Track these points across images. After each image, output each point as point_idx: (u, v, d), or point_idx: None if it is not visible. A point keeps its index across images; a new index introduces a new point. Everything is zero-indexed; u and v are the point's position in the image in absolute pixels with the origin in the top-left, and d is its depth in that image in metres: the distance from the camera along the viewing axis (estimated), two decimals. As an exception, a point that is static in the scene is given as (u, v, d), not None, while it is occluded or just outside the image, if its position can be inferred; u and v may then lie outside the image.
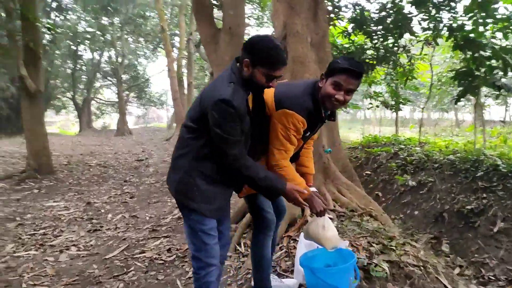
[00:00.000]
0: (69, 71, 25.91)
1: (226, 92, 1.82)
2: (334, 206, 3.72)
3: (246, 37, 6.77)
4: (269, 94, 2.15)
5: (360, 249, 3.01)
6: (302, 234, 3.08)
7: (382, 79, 10.00)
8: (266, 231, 2.29)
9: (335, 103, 2.01)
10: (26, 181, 7.64)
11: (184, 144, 1.98)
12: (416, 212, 5.98)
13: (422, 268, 2.90)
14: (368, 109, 10.73)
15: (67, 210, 5.57)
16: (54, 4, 18.73)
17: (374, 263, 2.84)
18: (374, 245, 3.07)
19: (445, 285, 2.85)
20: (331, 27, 7.09)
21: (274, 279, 2.67)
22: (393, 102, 10.08)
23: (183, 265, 3.39)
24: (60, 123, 40.75)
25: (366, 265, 2.78)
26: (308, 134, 2.28)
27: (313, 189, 2.36)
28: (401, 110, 10.21)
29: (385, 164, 7.49)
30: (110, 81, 28.94)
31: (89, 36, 23.34)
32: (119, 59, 25.03)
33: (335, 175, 4.00)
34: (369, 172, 7.96)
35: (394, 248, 3.03)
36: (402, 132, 12.59)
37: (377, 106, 10.62)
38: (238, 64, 1.97)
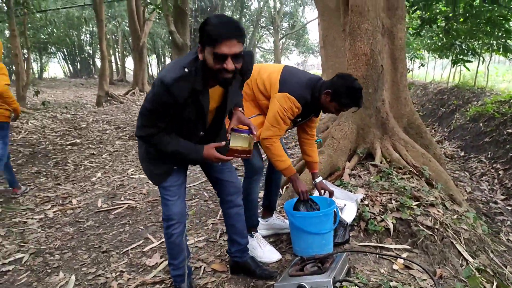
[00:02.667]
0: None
1: (172, 75, 1.69)
2: (381, 162, 3.69)
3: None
4: (273, 75, 2.43)
5: (377, 204, 3.06)
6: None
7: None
8: (252, 175, 2.64)
9: None
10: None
11: None
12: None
13: (436, 230, 2.80)
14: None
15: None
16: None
17: (381, 218, 2.90)
18: (393, 202, 3.06)
19: (459, 252, 2.73)
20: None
21: (278, 219, 3.02)
22: None
23: (235, 199, 3.98)
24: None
25: (369, 218, 2.87)
26: (299, 120, 2.56)
27: (319, 178, 2.72)
28: None
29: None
30: (268, 30, 30.52)
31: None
32: (277, 6, 26.13)
33: (393, 130, 3.87)
34: (511, 131, 7.09)
35: (413, 207, 2.98)
36: None
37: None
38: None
